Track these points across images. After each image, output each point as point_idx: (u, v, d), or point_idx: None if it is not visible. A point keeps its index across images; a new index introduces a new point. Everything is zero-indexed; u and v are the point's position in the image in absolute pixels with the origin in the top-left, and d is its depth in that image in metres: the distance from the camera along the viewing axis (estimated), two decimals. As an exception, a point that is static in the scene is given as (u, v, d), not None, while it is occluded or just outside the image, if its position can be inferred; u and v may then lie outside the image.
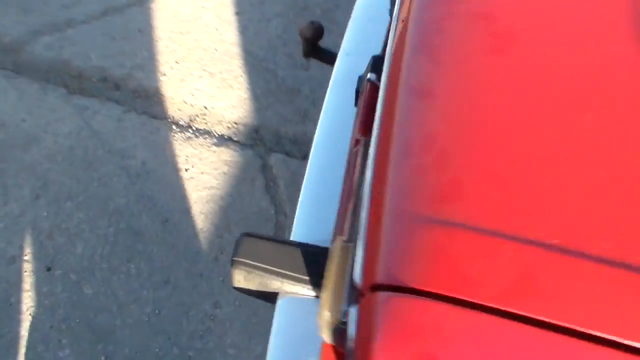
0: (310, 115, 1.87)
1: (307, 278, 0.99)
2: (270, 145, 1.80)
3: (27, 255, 1.50)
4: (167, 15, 2.03)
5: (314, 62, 1.88)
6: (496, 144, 0.69)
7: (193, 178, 1.68)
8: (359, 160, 0.81)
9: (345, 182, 0.87)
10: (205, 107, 1.82)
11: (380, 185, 0.70)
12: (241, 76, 1.91)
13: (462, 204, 0.66)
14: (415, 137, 0.70)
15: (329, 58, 1.52)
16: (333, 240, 0.82)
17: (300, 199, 1.09)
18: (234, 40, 1.98)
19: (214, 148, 1.75)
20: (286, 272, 0.99)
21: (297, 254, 1.01)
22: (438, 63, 0.74)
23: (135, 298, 1.48)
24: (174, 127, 1.76)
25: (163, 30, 1.97)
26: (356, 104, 0.99)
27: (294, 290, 1.00)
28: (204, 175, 1.69)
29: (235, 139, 1.79)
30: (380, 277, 0.64)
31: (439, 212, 0.66)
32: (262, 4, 2.09)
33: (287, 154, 1.79)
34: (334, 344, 0.79)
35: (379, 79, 0.89)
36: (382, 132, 0.74)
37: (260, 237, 1.02)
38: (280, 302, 1.00)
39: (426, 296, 0.62)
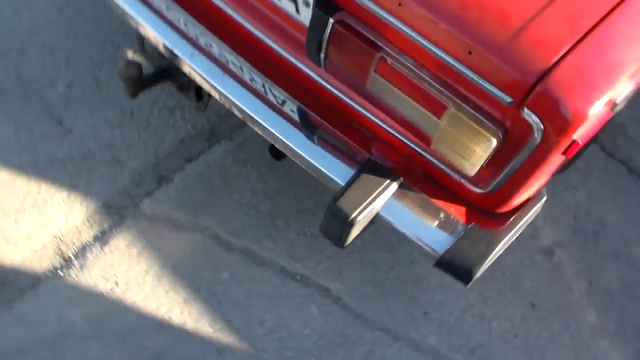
0: (128, 155, 1.93)
1: (390, 179, 1.26)
2: (131, 202, 1.86)
3: None
4: None
5: (68, 118, 1.91)
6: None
7: (128, 283, 1.72)
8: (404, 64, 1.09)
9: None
10: (55, 236, 1.78)
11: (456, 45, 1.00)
12: (42, 186, 1.85)
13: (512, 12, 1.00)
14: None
15: (158, 78, 1.61)
16: (441, 119, 1.10)
17: (304, 164, 1.32)
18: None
19: (106, 248, 1.77)
20: (377, 192, 1.25)
21: (367, 176, 1.27)
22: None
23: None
24: (60, 273, 1.73)
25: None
26: (321, 52, 1.21)
27: (388, 197, 1.28)
28: (130, 272, 1.75)
29: (106, 226, 1.82)
30: (530, 76, 0.97)
31: (510, 25, 0.99)
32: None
33: (148, 194, 1.88)
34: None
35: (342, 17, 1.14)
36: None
37: (341, 194, 1.25)
38: (385, 213, 1.27)
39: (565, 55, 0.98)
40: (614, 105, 1.12)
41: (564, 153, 1.15)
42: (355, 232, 1.34)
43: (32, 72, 2.14)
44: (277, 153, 1.69)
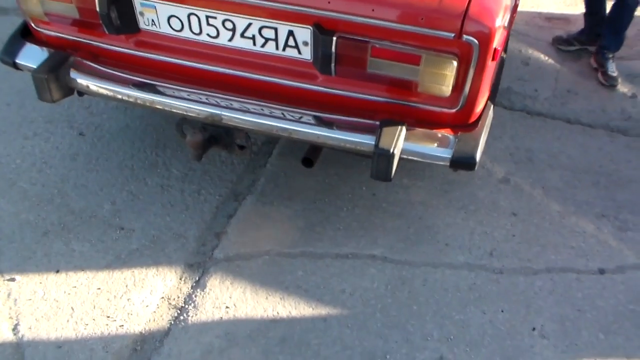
0: (185, 229, 2.64)
1: (399, 125, 2.09)
2: (205, 256, 2.58)
3: None
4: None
5: (126, 223, 2.61)
6: None
7: (235, 304, 2.39)
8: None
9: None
10: (162, 297, 2.45)
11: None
12: (134, 270, 2.50)
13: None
14: None
15: (209, 143, 2.39)
16: (419, 65, 1.98)
17: (338, 146, 2.12)
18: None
19: (206, 290, 2.47)
20: (397, 133, 2.06)
21: (386, 128, 2.08)
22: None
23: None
24: (181, 318, 2.41)
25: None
26: (332, 62, 2.06)
27: (402, 137, 2.10)
28: (233, 297, 2.44)
29: (196, 277, 2.50)
30: (458, 17, 1.87)
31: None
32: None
33: (214, 247, 2.60)
34: None
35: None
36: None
37: (377, 142, 2.05)
38: (406, 147, 2.10)
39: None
40: (504, 25, 2.04)
41: (492, 59, 2.04)
42: (395, 163, 2.13)
43: (79, 204, 2.82)
44: (308, 162, 2.47)
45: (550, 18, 4.18)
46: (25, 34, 2.60)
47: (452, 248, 2.67)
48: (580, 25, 3.85)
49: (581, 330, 2.40)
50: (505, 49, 2.90)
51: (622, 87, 3.60)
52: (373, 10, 2.00)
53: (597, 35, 3.68)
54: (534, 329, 2.39)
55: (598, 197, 2.94)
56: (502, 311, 2.45)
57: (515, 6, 2.68)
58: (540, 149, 3.16)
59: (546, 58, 3.80)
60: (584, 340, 2.37)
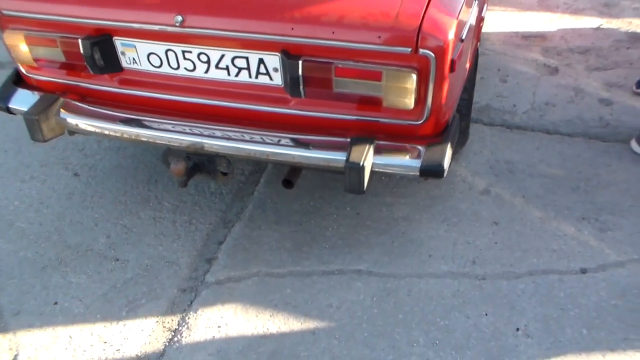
0: (177, 257, 2.80)
1: (369, 141, 2.27)
2: (198, 281, 2.74)
3: None
4: None
5: (120, 254, 2.78)
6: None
7: (227, 323, 2.55)
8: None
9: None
10: (157, 321, 2.59)
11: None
12: (128, 297, 2.66)
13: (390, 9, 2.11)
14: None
15: (193, 171, 2.56)
16: (381, 81, 2.16)
17: (314, 164, 2.28)
18: None
19: (199, 311, 2.61)
20: (366, 149, 2.24)
21: (357, 145, 2.26)
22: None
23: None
24: (175, 339, 2.57)
25: None
26: (300, 85, 2.25)
27: (372, 151, 2.26)
28: (224, 317, 2.59)
29: (189, 301, 2.66)
30: (413, 32, 2.07)
31: (392, 14, 2.10)
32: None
33: (205, 271, 2.76)
34: None
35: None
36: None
37: (348, 156, 2.22)
38: (376, 161, 2.26)
39: (423, 16, 2.10)
40: (460, 38, 2.23)
41: (451, 70, 2.22)
42: (366, 176, 2.29)
43: (76, 240, 3.00)
44: (287, 183, 2.64)
45: (527, 36, 4.38)
46: (17, 81, 2.81)
47: (436, 259, 2.81)
48: (557, 41, 4.04)
49: (565, 328, 2.52)
50: (475, 62, 3.10)
51: (599, 95, 3.77)
52: (333, 32, 2.19)
53: None
54: (517, 329, 2.52)
55: (578, 201, 3.08)
56: (486, 314, 2.57)
57: (481, 19, 2.89)
58: (520, 160, 3.32)
59: (524, 74, 3.99)
60: (568, 337, 2.49)
